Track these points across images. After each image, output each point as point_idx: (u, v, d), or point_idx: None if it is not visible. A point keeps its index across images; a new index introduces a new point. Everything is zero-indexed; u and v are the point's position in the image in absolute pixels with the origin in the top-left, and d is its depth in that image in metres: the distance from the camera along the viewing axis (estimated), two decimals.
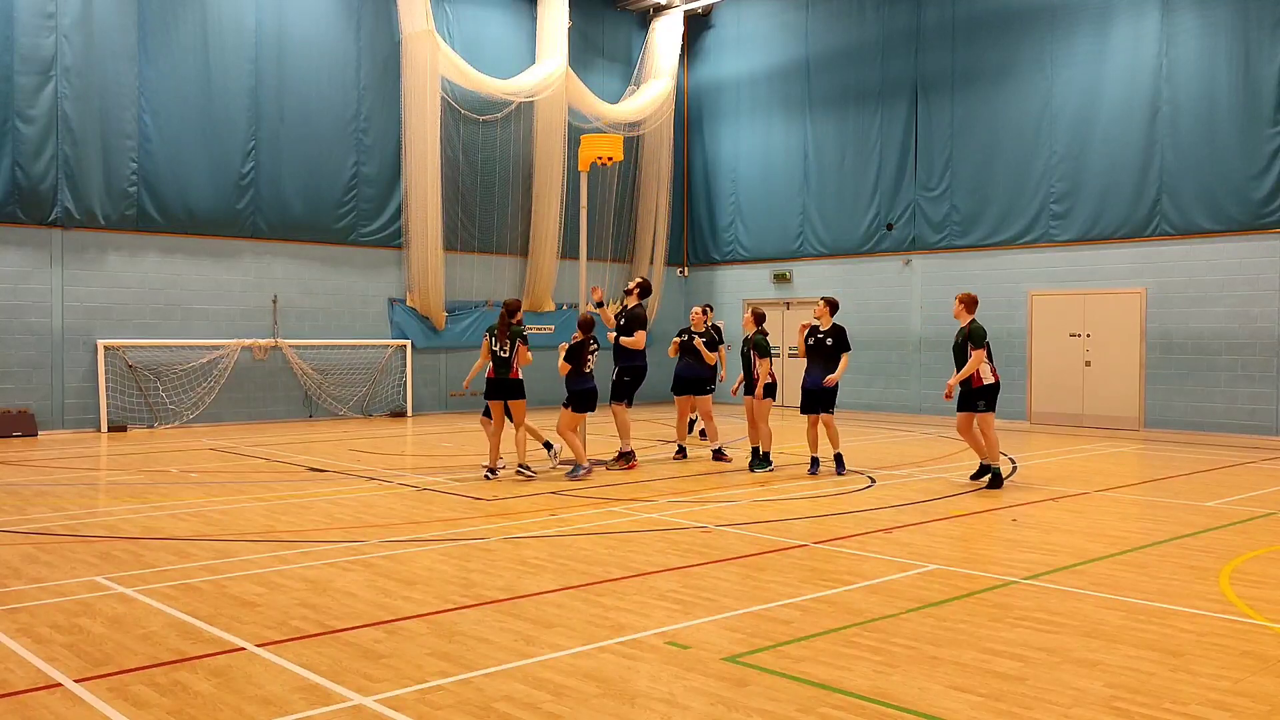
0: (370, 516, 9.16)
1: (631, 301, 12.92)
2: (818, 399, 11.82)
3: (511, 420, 11.33)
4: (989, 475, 10.92)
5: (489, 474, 11.36)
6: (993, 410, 10.93)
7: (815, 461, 11.95)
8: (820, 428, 11.92)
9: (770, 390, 12.08)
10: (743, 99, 23.82)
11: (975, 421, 11.00)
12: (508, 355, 11.13)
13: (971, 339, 10.77)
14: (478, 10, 21.48)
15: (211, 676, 4.90)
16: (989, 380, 10.84)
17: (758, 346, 12.02)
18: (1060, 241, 18.58)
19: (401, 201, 20.23)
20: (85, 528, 8.68)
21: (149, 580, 6.79)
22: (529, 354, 11.28)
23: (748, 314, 12.51)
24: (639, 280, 13.19)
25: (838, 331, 11.77)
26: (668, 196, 24.07)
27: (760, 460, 12.20)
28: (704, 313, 13.80)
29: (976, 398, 10.89)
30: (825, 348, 11.73)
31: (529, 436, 11.58)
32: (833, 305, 11.92)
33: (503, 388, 11.18)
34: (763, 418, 12.18)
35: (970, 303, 11.13)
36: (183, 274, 17.94)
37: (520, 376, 11.24)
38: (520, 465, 11.34)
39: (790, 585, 6.71)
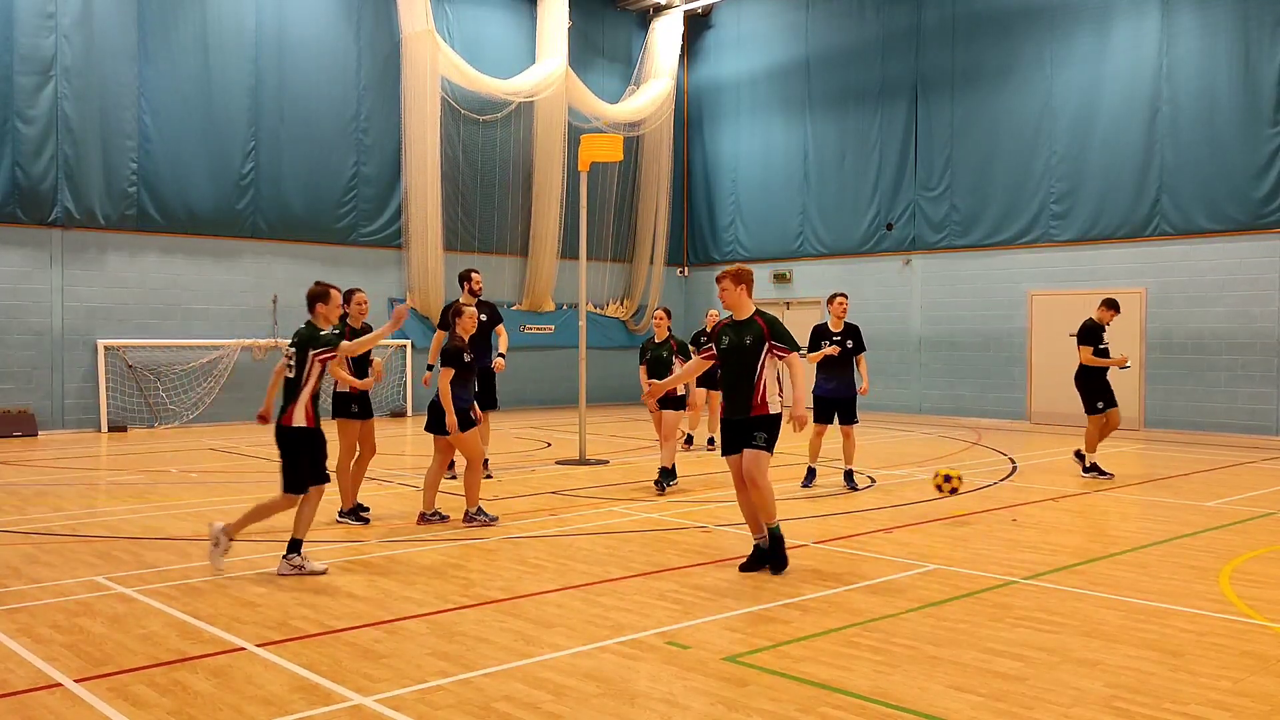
0: (370, 516, 9.14)
1: (469, 301, 11.08)
2: (850, 409, 10.86)
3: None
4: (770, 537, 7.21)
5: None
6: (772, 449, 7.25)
7: (812, 472, 10.94)
8: (828, 437, 11.08)
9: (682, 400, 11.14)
10: (742, 99, 23.81)
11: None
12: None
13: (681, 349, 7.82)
14: (478, 10, 21.48)
15: (211, 676, 4.90)
16: (777, 409, 7.17)
17: (682, 350, 11.17)
18: (1060, 241, 18.57)
19: (401, 201, 20.22)
20: (85, 528, 8.68)
21: (149, 580, 6.79)
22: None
23: (661, 313, 11.41)
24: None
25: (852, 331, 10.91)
26: (668, 196, 24.06)
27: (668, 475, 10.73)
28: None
29: (760, 428, 7.11)
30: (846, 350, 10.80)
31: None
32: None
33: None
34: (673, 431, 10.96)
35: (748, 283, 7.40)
36: (183, 274, 17.94)
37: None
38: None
39: (790, 585, 6.71)
